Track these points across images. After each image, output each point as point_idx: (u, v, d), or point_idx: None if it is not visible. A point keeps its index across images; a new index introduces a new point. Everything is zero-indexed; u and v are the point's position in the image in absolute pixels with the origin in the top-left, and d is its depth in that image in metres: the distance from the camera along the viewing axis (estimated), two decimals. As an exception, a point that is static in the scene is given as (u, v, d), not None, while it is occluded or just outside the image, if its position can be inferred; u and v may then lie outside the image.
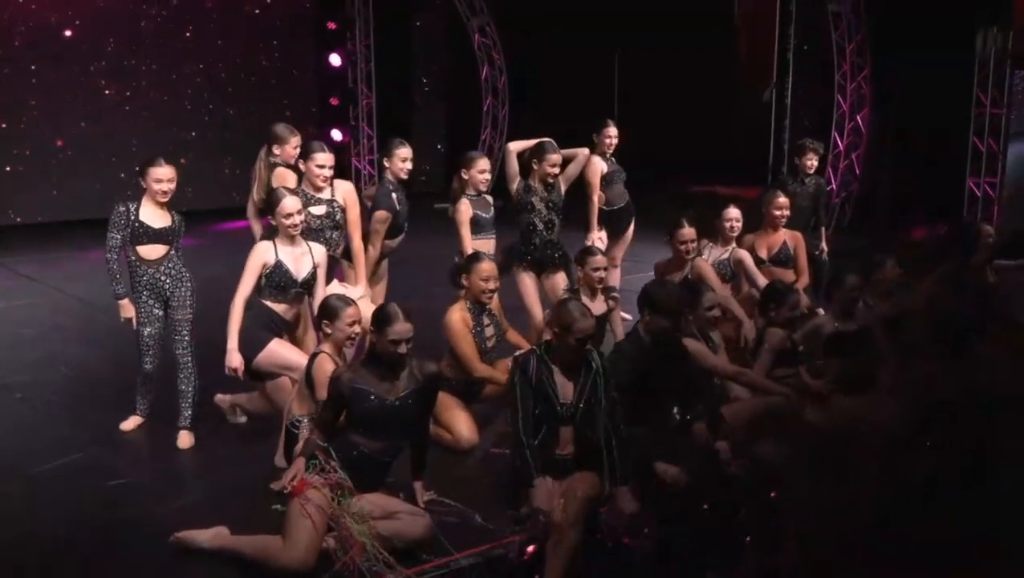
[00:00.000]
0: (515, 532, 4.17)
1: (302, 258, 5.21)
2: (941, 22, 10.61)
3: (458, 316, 5.35)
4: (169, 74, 12.90)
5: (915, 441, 5.36)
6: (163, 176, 5.18)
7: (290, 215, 5.11)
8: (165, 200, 5.22)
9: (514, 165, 6.27)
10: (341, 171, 6.45)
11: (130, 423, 5.39)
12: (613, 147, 7.50)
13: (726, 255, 6.56)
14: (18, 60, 11.84)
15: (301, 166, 5.78)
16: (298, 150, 5.97)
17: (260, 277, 5.11)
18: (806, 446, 4.90)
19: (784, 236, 6.96)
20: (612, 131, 7.47)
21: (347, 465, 4.05)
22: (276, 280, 5.12)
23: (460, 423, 5.22)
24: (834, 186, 11.58)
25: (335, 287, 5.53)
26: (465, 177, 6.15)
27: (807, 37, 11.57)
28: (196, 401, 5.30)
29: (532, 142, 6.33)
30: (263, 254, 5.14)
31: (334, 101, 14.34)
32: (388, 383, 4.14)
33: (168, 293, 5.24)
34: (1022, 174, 10.43)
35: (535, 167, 6.24)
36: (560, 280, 6.27)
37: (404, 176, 6.18)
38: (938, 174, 11.04)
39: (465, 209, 6.09)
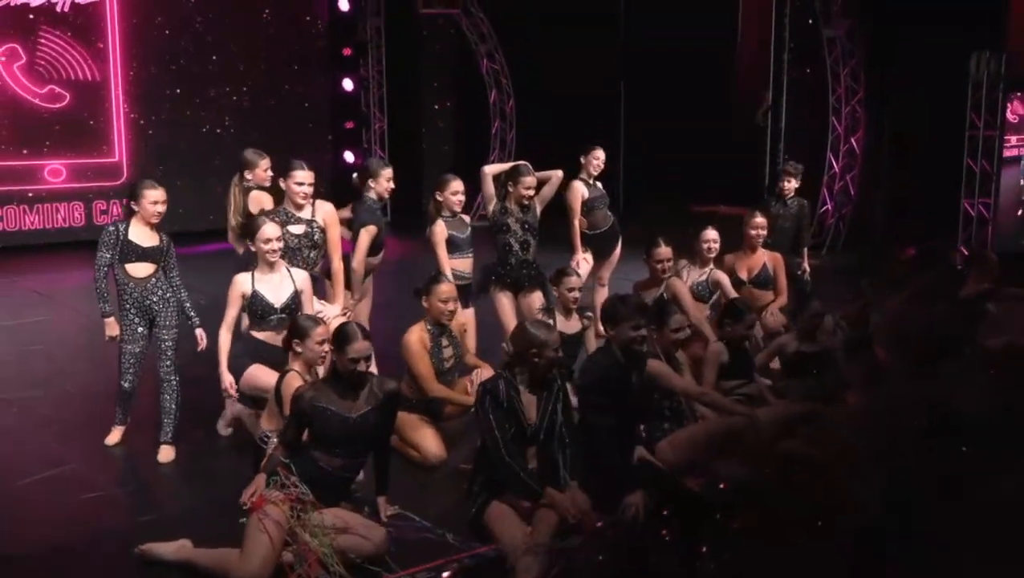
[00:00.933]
0: (468, 549, 4.15)
1: (281, 284, 5.23)
2: (935, 46, 10.56)
3: (416, 336, 5.34)
4: (193, 98, 13.03)
5: (877, 460, 5.31)
6: (158, 198, 5.22)
7: (269, 240, 5.14)
8: (157, 221, 5.25)
9: (490, 187, 6.30)
10: (352, 192, 6.51)
11: (113, 436, 5.40)
12: (600, 170, 7.49)
13: (704, 277, 6.54)
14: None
15: (283, 184, 5.80)
16: (269, 172, 6.06)
17: (241, 308, 5.19)
18: (765, 465, 4.85)
19: (764, 257, 6.95)
20: (600, 154, 7.47)
21: (308, 481, 4.05)
22: (255, 309, 5.17)
23: (427, 440, 5.21)
24: (829, 207, 11.52)
25: (315, 305, 5.57)
26: (440, 199, 6.16)
27: (803, 61, 11.53)
28: (178, 417, 5.32)
29: (507, 165, 6.38)
30: (240, 286, 5.19)
31: (349, 124, 14.43)
32: (349, 401, 4.15)
33: (154, 312, 5.26)
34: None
35: (511, 189, 6.27)
36: (536, 299, 6.25)
37: (387, 195, 6.30)
38: (932, 195, 10.95)
39: (440, 230, 6.10)
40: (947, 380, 5.84)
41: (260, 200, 5.93)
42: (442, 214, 6.16)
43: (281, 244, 5.24)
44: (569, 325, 5.79)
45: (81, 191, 12.29)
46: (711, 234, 6.53)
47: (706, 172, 13.46)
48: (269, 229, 5.17)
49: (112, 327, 5.28)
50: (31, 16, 11.67)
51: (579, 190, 7.33)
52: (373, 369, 4.53)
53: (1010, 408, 5.79)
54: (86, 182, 12.32)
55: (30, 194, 12.01)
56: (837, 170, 11.44)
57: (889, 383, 5.65)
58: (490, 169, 6.37)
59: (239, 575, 3.78)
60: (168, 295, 5.30)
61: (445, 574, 3.96)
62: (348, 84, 14.19)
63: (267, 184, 6.13)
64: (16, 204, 11.88)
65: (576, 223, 7.33)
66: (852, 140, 11.39)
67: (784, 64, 11.26)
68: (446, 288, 5.37)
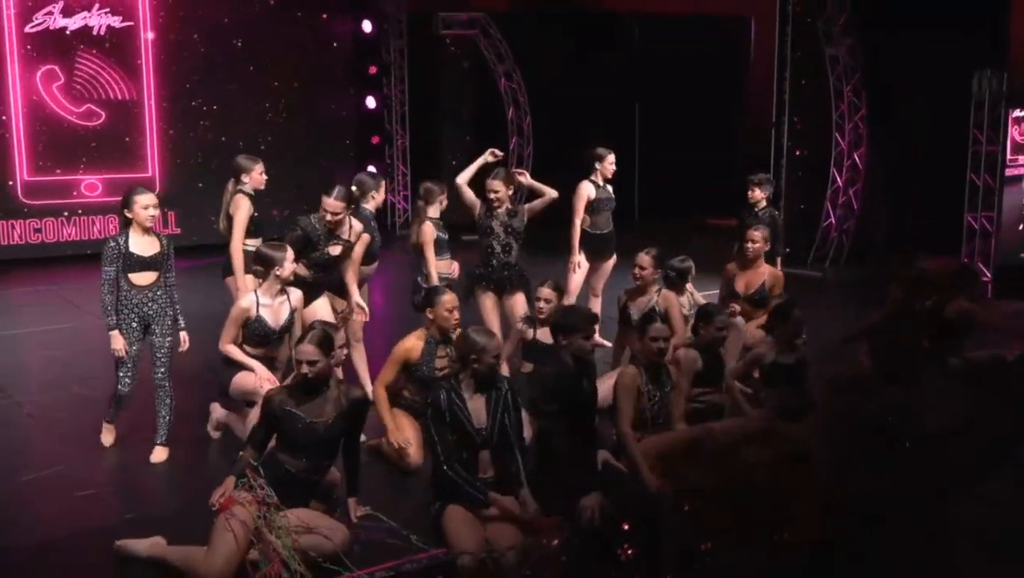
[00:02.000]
0: (423, 549, 4.18)
1: (281, 307, 5.33)
2: (937, 63, 10.45)
3: (407, 345, 5.40)
4: (228, 113, 13.23)
5: (850, 469, 5.25)
6: (149, 202, 5.28)
7: (284, 265, 5.26)
8: (152, 224, 5.31)
9: (469, 194, 6.34)
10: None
11: (107, 436, 5.48)
12: (612, 175, 7.48)
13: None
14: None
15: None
16: (264, 176, 6.29)
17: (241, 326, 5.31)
18: (722, 475, 4.81)
19: (765, 275, 6.86)
20: (613, 159, 7.46)
21: (275, 482, 4.10)
22: (255, 331, 5.27)
23: (412, 445, 5.23)
24: (833, 221, 11.41)
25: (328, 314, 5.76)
26: (431, 204, 6.32)
27: (807, 78, 11.45)
28: (172, 421, 5.40)
29: (475, 166, 6.39)
30: (246, 310, 5.28)
31: (375, 140, 14.57)
32: (316, 407, 4.19)
33: (151, 319, 5.31)
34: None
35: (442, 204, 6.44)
36: (519, 301, 6.30)
37: (378, 208, 6.52)
38: (935, 209, 10.82)
39: (429, 231, 6.25)
40: (923, 391, 5.77)
41: (239, 203, 6.20)
42: (430, 217, 6.28)
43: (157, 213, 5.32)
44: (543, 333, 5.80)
45: (116, 205, 12.23)
46: (644, 259, 6.31)
47: (718, 186, 13.41)
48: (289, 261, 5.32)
49: (117, 340, 5.27)
50: (69, 39, 11.93)
51: (585, 191, 7.34)
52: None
53: (984, 423, 5.71)
54: (121, 196, 12.50)
55: (68, 208, 12.26)
56: (840, 184, 11.33)
57: (860, 392, 5.56)
58: (462, 179, 6.41)
59: (202, 572, 3.83)
60: (165, 304, 5.36)
61: (399, 573, 3.99)
62: (372, 102, 14.34)
63: (262, 187, 6.38)
64: (55, 217, 12.12)
65: (577, 222, 7.32)
66: (855, 155, 11.27)
67: (786, 82, 11.17)
68: (450, 298, 5.40)
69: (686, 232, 12.23)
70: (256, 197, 6.40)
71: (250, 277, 5.75)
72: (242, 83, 13.21)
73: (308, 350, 4.17)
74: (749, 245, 6.80)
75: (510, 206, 6.34)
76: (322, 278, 5.96)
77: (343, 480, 4.56)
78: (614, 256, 7.66)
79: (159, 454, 5.34)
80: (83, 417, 6.10)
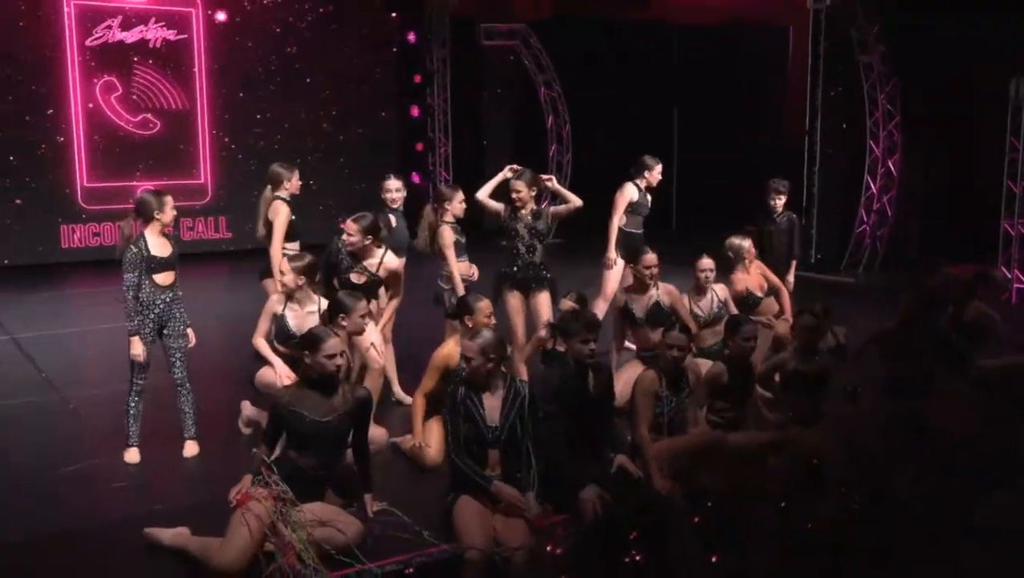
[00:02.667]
0: (430, 543, 4.21)
1: (307, 317, 5.41)
2: (973, 69, 10.26)
3: (445, 352, 5.43)
4: (278, 121, 13.46)
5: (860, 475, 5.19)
6: (172, 204, 5.47)
7: (332, 357, 4.35)
8: (171, 228, 5.45)
9: (491, 205, 6.36)
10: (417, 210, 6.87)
11: (133, 455, 5.42)
12: (655, 184, 7.55)
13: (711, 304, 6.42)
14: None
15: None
16: (299, 182, 6.50)
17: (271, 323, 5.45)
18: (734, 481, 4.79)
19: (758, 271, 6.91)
20: (660, 168, 7.56)
21: (288, 478, 4.16)
22: (279, 328, 5.39)
23: (432, 446, 5.29)
24: (867, 227, 11.24)
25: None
26: (447, 208, 6.36)
27: (842, 85, 11.30)
28: (196, 415, 5.51)
29: (495, 180, 6.42)
30: (274, 304, 5.48)
31: (419, 147, 14.71)
32: (323, 405, 4.25)
33: (165, 320, 5.41)
34: None
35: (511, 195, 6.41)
36: (544, 300, 6.30)
37: (394, 204, 6.61)
38: (971, 216, 10.62)
39: (448, 234, 6.29)
40: (937, 397, 5.67)
41: (278, 209, 6.36)
42: (446, 221, 6.33)
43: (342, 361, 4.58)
44: None
45: (170, 209, 12.79)
46: (707, 263, 6.41)
47: (756, 193, 13.29)
48: (332, 344, 4.38)
49: (137, 345, 5.30)
50: (127, 51, 12.27)
51: (629, 192, 7.41)
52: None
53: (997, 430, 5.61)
54: (174, 202, 12.77)
55: (125, 212, 12.45)
56: (875, 191, 11.15)
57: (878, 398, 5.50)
58: (482, 193, 6.40)
59: (216, 562, 3.90)
60: (174, 305, 5.42)
61: (410, 567, 4.03)
62: (415, 111, 14.48)
63: (298, 193, 6.55)
64: (112, 221, 12.40)
65: (615, 221, 7.38)
66: (889, 163, 11.10)
67: (819, 90, 11.03)
68: (486, 304, 5.40)
69: (723, 238, 12.12)
70: (293, 202, 6.53)
71: (285, 267, 5.72)
72: (292, 92, 13.46)
73: (336, 342, 4.27)
74: (702, 275, 6.56)
75: (534, 207, 6.35)
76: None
77: (357, 477, 4.60)
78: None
79: (191, 448, 5.46)
80: (121, 413, 6.25)
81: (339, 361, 4.27)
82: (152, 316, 5.35)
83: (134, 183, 12.47)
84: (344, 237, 5.89)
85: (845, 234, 11.30)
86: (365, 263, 5.94)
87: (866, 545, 4.84)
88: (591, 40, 14.61)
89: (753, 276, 6.83)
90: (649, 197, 7.59)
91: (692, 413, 5.15)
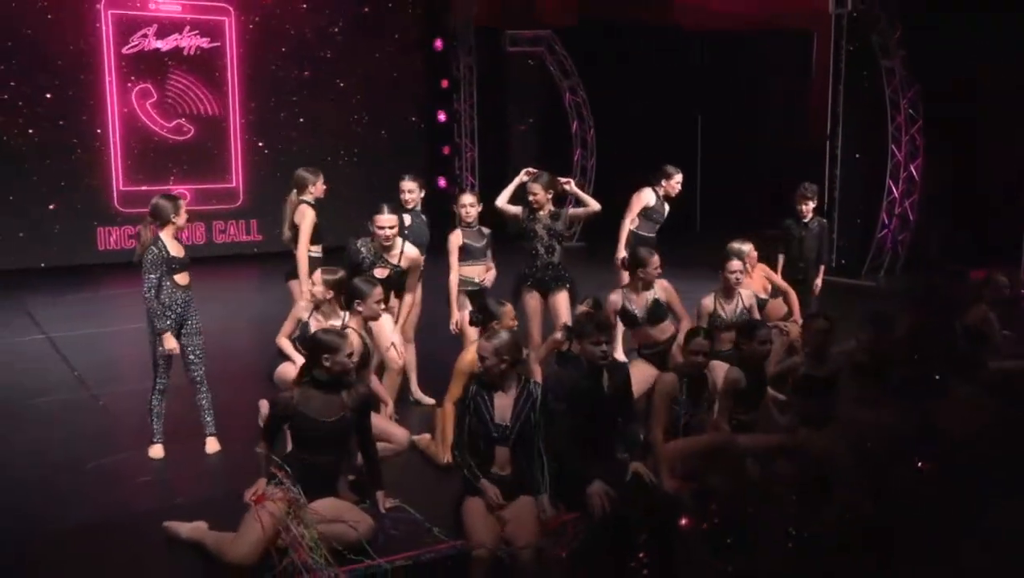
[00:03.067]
0: (440, 540, 4.26)
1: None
2: (996, 74, 10.15)
3: (471, 357, 5.42)
4: (308, 126, 13.59)
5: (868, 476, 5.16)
6: (186, 207, 5.53)
7: (351, 355, 4.51)
8: (184, 230, 5.55)
9: (510, 209, 6.40)
10: (445, 215, 6.81)
11: (157, 451, 5.51)
12: (675, 193, 7.50)
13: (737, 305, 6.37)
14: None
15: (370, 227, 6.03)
16: (324, 186, 6.57)
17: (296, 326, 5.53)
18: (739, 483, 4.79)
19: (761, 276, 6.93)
20: (680, 178, 7.51)
21: (300, 478, 4.21)
22: (300, 334, 5.46)
23: (447, 442, 5.33)
24: (888, 231, 11.15)
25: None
26: (456, 211, 6.46)
27: (864, 90, 11.21)
28: (214, 410, 5.60)
29: (511, 188, 6.44)
30: (301, 310, 5.56)
31: (446, 150, 14.79)
32: (328, 406, 4.31)
33: (183, 319, 5.46)
34: None
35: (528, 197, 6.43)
36: (562, 299, 6.34)
37: (408, 205, 6.64)
38: (995, 221, 10.50)
39: (454, 238, 6.34)
40: (947, 399, 5.64)
41: (304, 212, 6.45)
42: (460, 224, 6.37)
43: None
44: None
45: (203, 213, 12.97)
46: (736, 265, 6.31)
47: (780, 198, 13.22)
48: (350, 344, 4.52)
49: (170, 340, 5.39)
50: (162, 58, 12.47)
51: (645, 196, 7.40)
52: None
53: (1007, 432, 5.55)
54: (207, 205, 13.00)
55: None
56: (896, 196, 11.05)
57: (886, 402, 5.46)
58: (501, 201, 6.44)
59: (229, 556, 3.96)
60: (192, 303, 5.48)
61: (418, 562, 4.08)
62: (442, 116, 14.57)
63: (322, 197, 6.62)
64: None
65: (627, 222, 7.38)
66: (912, 167, 10.99)
67: (840, 94, 10.96)
68: (510, 308, 5.46)
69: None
70: (317, 206, 6.62)
71: (317, 277, 5.78)
72: (322, 97, 13.61)
73: (357, 342, 4.37)
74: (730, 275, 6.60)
75: (552, 208, 6.38)
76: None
77: (367, 476, 4.66)
78: None
79: (212, 445, 5.55)
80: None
81: (355, 358, 4.34)
82: (173, 316, 5.43)
83: (168, 186, 12.65)
84: (385, 232, 5.89)
85: (867, 238, 11.20)
86: (386, 256, 5.99)
87: (871, 547, 4.82)
88: (615, 46, 14.61)
89: (756, 279, 6.80)
90: (667, 206, 7.54)
91: (717, 421, 5.13)
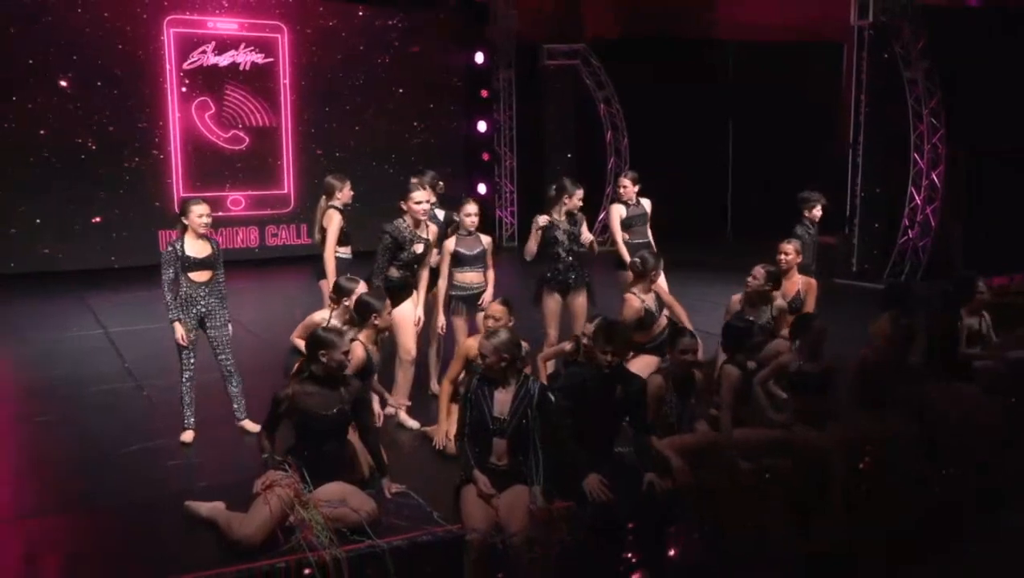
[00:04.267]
0: (441, 525, 4.34)
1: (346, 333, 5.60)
2: (1016, 82, 9.93)
3: (472, 343, 5.54)
4: (357, 136, 13.82)
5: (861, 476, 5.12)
6: (204, 211, 5.60)
7: (348, 353, 4.71)
8: (205, 232, 5.62)
9: (536, 246, 6.54)
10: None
11: (188, 436, 5.69)
12: (630, 194, 7.50)
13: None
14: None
15: (403, 205, 6.11)
16: (351, 192, 6.75)
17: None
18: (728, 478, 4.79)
19: (799, 284, 6.76)
20: (625, 181, 7.56)
21: (304, 465, 4.36)
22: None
23: (449, 440, 5.42)
24: (910, 236, 10.96)
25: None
26: (455, 218, 6.51)
27: (888, 100, 11.04)
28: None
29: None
30: (317, 316, 5.64)
31: (485, 156, 14.89)
32: (327, 400, 4.44)
33: (204, 314, 5.62)
34: None
35: (566, 202, 6.51)
36: (581, 300, 6.47)
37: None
38: (1015, 227, 10.26)
39: (447, 245, 6.37)
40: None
41: (331, 217, 6.64)
42: (458, 232, 6.43)
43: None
44: None
45: (256, 218, 13.31)
46: (759, 271, 6.30)
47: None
48: (347, 342, 4.73)
49: (179, 328, 5.56)
50: (220, 74, 12.81)
51: (615, 212, 7.47)
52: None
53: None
54: (260, 210, 13.33)
55: (216, 220, 12.97)
56: (919, 202, 10.86)
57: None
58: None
59: (237, 535, 4.11)
60: (213, 300, 5.64)
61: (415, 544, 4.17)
62: (482, 126, 14.70)
63: (349, 203, 6.77)
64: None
65: (619, 240, 7.39)
66: (933, 175, 10.79)
67: (862, 104, 10.82)
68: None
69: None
70: (345, 211, 6.77)
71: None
72: (370, 108, 13.82)
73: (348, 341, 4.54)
74: (782, 257, 6.66)
75: (575, 213, 6.54)
76: (408, 278, 6.11)
77: (373, 464, 4.76)
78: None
79: (249, 425, 5.74)
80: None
81: (350, 356, 4.52)
82: (194, 310, 5.61)
83: (224, 193, 13.04)
84: (422, 207, 5.99)
85: (889, 245, 11.03)
86: (419, 233, 6.09)
87: (868, 542, 4.79)
88: (650, 56, 14.57)
89: (785, 285, 6.70)
90: (643, 204, 7.51)
91: (724, 423, 5.14)
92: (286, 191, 13.51)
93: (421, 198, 6.07)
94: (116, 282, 11.40)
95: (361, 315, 5.33)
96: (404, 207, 6.10)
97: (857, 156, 10.98)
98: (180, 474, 5.20)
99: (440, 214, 6.81)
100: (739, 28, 14.90)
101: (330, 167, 13.25)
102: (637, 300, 6.14)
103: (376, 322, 5.30)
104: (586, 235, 6.59)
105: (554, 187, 6.67)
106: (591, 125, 14.72)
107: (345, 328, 5.34)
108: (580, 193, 6.53)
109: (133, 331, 8.81)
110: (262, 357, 7.10)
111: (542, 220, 6.54)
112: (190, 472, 5.23)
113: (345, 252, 6.85)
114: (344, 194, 6.79)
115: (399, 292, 6.03)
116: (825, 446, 5.09)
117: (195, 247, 5.63)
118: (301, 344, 5.60)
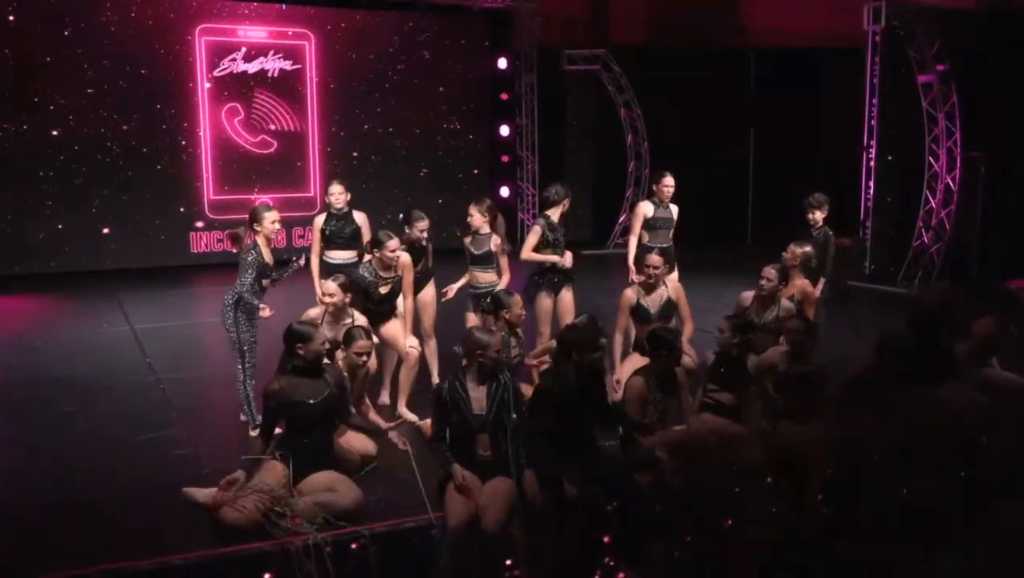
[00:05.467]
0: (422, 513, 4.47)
1: (340, 329, 5.59)
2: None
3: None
4: (381, 139, 14.02)
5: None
6: (276, 217, 5.84)
7: (323, 343, 4.94)
8: (275, 237, 5.83)
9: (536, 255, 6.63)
10: (508, 223, 7.01)
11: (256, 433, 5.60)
12: (668, 196, 7.43)
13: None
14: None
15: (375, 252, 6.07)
16: (345, 195, 6.94)
17: None
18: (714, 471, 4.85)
19: (794, 289, 6.76)
20: (669, 181, 7.39)
21: (294, 454, 4.51)
22: None
23: None
24: (925, 239, 10.86)
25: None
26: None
27: (902, 103, 10.96)
28: None
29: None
30: (312, 314, 5.76)
31: (505, 158, 14.98)
32: (314, 389, 4.60)
33: (254, 312, 5.74)
34: None
35: (564, 204, 6.73)
36: (569, 298, 6.62)
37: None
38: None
39: (466, 242, 6.62)
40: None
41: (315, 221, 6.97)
42: (470, 233, 6.59)
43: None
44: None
45: (283, 220, 13.40)
46: (770, 272, 6.34)
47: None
48: (321, 335, 4.97)
49: (266, 310, 5.70)
50: (248, 80, 13.09)
51: (642, 210, 7.38)
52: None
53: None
54: (288, 212, 13.39)
55: (245, 221, 13.28)
56: (933, 206, 10.76)
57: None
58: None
59: (226, 520, 4.28)
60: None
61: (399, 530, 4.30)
62: (505, 130, 14.81)
63: (340, 206, 6.96)
64: (234, 229, 13.25)
65: (633, 240, 7.36)
66: (948, 178, 10.69)
67: (875, 108, 10.74)
68: (519, 299, 5.73)
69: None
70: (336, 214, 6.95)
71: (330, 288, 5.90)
72: (395, 113, 14.01)
73: (325, 335, 4.75)
74: (763, 282, 6.53)
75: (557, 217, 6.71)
76: (386, 307, 6.15)
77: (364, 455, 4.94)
78: (675, 270, 7.64)
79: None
80: (201, 396, 6.82)
81: (364, 359, 4.94)
82: (254, 308, 5.71)
83: (253, 195, 13.27)
84: (389, 254, 5.98)
85: (902, 247, 10.94)
86: (384, 275, 6.06)
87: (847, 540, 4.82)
88: (670, 62, 14.59)
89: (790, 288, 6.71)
90: (672, 208, 7.43)
91: (684, 406, 5.24)
92: (312, 194, 13.74)
93: (394, 246, 5.99)
94: (149, 282, 11.71)
95: (345, 342, 5.35)
96: (376, 253, 6.02)
97: (870, 160, 10.89)
98: (185, 462, 5.38)
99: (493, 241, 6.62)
100: (761, 34, 14.85)
101: (355, 171, 13.55)
102: (632, 293, 6.22)
103: (345, 353, 5.27)
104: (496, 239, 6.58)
105: (554, 190, 6.78)
106: (612, 129, 14.76)
107: (349, 319, 5.53)
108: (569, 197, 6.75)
109: (159, 328, 9.08)
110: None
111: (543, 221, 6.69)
112: (195, 460, 5.41)
113: (344, 256, 6.95)
114: (334, 197, 6.93)
115: (379, 318, 6.07)
116: (808, 443, 5.12)
117: (267, 253, 5.78)
118: None
